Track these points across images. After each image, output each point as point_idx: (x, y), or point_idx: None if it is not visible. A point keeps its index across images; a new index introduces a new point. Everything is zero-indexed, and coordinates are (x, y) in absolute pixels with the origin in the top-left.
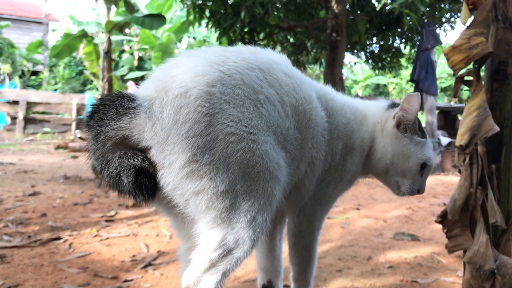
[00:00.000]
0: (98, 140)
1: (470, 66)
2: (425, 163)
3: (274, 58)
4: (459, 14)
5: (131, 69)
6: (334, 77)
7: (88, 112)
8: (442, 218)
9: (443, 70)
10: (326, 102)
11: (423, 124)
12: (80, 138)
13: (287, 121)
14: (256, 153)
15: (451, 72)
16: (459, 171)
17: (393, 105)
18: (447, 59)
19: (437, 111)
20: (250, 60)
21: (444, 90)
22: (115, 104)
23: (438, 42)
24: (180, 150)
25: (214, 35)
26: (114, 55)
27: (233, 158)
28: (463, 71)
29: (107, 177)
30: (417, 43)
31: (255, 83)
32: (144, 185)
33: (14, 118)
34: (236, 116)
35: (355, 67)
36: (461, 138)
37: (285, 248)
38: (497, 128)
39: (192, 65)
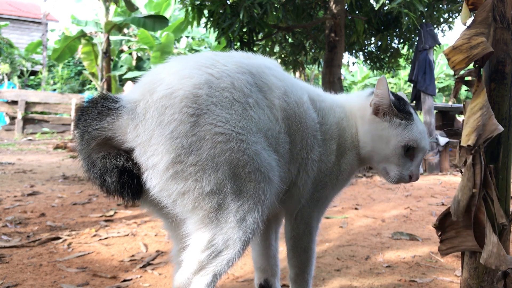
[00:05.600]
0: (83, 140)
1: (471, 66)
2: (408, 145)
3: (265, 63)
4: (457, 15)
5: (129, 69)
6: (332, 77)
7: (77, 115)
8: (440, 221)
9: (441, 70)
10: (319, 103)
11: None
12: None
13: (277, 125)
14: (246, 153)
15: (449, 72)
16: (461, 172)
17: (373, 92)
18: (448, 60)
19: (435, 111)
20: (241, 64)
21: (442, 90)
22: (97, 105)
23: (436, 42)
24: (163, 151)
25: (212, 35)
26: (113, 55)
27: (221, 158)
28: (463, 71)
29: (93, 178)
30: (415, 43)
31: (245, 87)
32: (127, 184)
33: (13, 118)
34: (224, 117)
35: (354, 67)
36: (468, 139)
37: (282, 248)
38: (501, 128)
39: (179, 68)
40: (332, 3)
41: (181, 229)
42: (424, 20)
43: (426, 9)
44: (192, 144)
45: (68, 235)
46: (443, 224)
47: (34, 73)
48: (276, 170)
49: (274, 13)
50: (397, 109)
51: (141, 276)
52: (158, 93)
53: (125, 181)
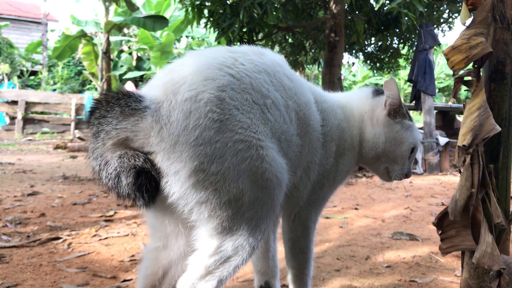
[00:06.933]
0: (98, 138)
1: (470, 66)
2: (414, 146)
3: (277, 60)
4: (456, 15)
5: (129, 69)
6: (332, 77)
7: (90, 107)
8: (439, 220)
9: (441, 70)
10: (321, 104)
11: (421, 125)
12: (79, 138)
13: (291, 127)
14: (265, 160)
15: (449, 72)
16: (459, 172)
17: (377, 92)
18: (447, 60)
19: (435, 111)
20: (257, 63)
21: (442, 90)
22: (120, 102)
23: (436, 42)
24: (187, 158)
25: (212, 35)
26: (113, 55)
27: (242, 166)
28: (462, 71)
29: (105, 178)
30: (415, 43)
31: (263, 87)
32: (144, 187)
33: (13, 118)
34: (245, 123)
35: (354, 67)
36: (464, 138)
37: (281, 248)
38: (498, 128)
39: (201, 68)
40: (332, 3)
41: (166, 230)
42: (424, 20)
43: (426, 9)
44: (215, 151)
45: (68, 235)
46: (442, 223)
47: (34, 73)
48: (287, 173)
49: (274, 13)
50: (406, 111)
51: None
52: (182, 95)
53: (142, 183)
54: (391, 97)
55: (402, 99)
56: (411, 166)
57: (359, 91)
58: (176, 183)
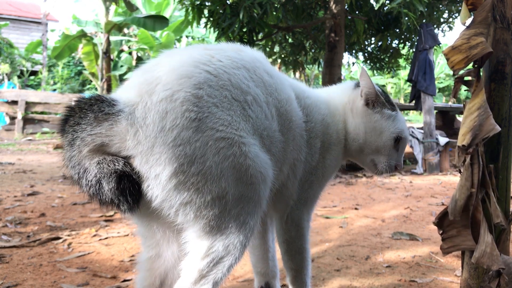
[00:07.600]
0: (73, 146)
1: (470, 66)
2: (398, 136)
3: (256, 57)
4: (457, 15)
5: (129, 69)
6: (332, 77)
7: (63, 115)
8: (439, 220)
9: (441, 70)
10: (304, 100)
11: (421, 125)
12: None
13: (273, 123)
14: (248, 156)
15: (449, 72)
16: (459, 172)
17: (358, 84)
18: (447, 59)
19: (435, 111)
20: (235, 59)
21: (442, 90)
22: (93, 108)
23: (436, 42)
24: (166, 160)
25: (212, 35)
26: (113, 55)
27: (224, 164)
28: (462, 71)
29: (86, 186)
30: (415, 43)
31: (243, 83)
32: (128, 190)
33: (13, 118)
34: (226, 120)
35: (354, 67)
36: (463, 138)
37: (278, 248)
38: (498, 128)
39: (176, 66)
40: (332, 3)
41: (159, 236)
42: (424, 20)
43: (426, 9)
44: (195, 151)
45: (68, 235)
46: (443, 222)
47: (34, 73)
48: (271, 167)
49: (274, 13)
50: (386, 100)
51: None
52: (157, 95)
53: (125, 187)
54: (366, 86)
55: (376, 88)
56: (400, 158)
57: (343, 85)
58: (157, 186)
